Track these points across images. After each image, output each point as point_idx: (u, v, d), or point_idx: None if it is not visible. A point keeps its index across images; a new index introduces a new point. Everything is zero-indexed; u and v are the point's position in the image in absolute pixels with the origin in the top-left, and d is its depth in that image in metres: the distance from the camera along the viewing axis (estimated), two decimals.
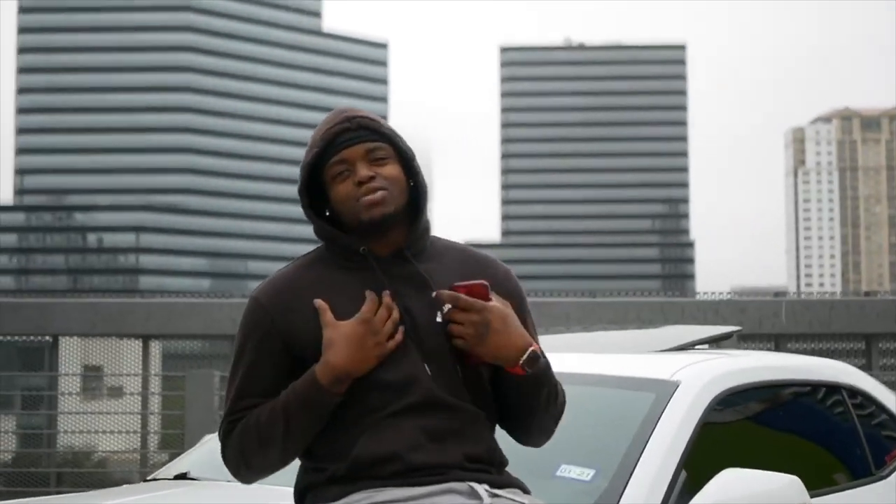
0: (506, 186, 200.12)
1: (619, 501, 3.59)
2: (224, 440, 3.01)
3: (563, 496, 3.60)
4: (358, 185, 2.95)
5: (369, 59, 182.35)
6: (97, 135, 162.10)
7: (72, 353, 12.63)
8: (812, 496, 3.76)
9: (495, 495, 2.91)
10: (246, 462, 2.99)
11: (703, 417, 3.91)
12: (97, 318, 12.10)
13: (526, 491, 3.03)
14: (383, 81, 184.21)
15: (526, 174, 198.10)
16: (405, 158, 3.03)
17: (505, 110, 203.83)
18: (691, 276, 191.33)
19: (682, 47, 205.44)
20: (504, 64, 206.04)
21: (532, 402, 3.00)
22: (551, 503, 3.28)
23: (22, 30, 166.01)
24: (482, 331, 2.89)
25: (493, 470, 2.97)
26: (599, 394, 4.09)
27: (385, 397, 2.90)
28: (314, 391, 2.89)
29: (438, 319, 2.94)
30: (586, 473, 3.70)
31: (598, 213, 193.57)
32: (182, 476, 4.39)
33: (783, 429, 4.49)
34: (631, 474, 3.66)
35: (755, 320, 10.81)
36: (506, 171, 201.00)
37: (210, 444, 4.52)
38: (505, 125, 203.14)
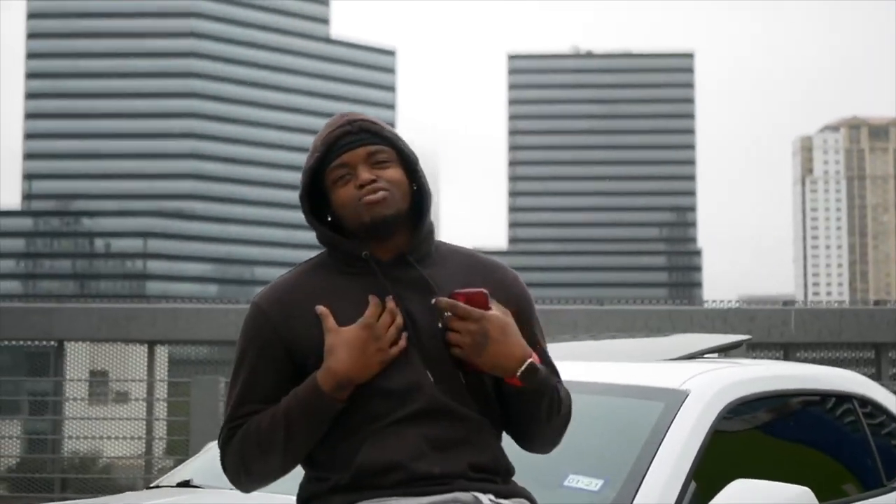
0: (513, 193, 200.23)
1: None
2: (224, 447, 2.97)
3: None
4: (359, 189, 2.91)
5: (377, 65, 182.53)
6: (104, 140, 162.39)
7: (78, 358, 12.61)
8: None
9: None
10: (246, 469, 2.94)
11: (713, 427, 3.86)
12: (102, 324, 12.08)
13: (532, 501, 2.98)
14: (391, 88, 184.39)
15: (533, 181, 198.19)
16: (408, 162, 2.99)
17: (512, 117, 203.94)
18: (698, 285, 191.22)
19: (690, 55, 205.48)
20: (512, 71, 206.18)
21: (533, 411, 2.96)
22: None
23: (30, 35, 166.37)
24: (479, 340, 2.84)
25: (498, 479, 2.92)
26: (608, 403, 4.05)
27: (388, 404, 2.86)
28: (316, 398, 2.85)
29: (440, 325, 2.89)
30: (595, 483, 3.66)
31: (606, 220, 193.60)
32: (185, 483, 4.35)
33: (794, 439, 4.45)
34: (640, 484, 3.62)
35: (764, 329, 10.77)
36: (513, 179, 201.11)
37: (214, 451, 4.47)
38: (512, 132, 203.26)
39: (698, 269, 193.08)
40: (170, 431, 12.18)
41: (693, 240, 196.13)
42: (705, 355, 4.69)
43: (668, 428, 3.80)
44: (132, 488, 11.87)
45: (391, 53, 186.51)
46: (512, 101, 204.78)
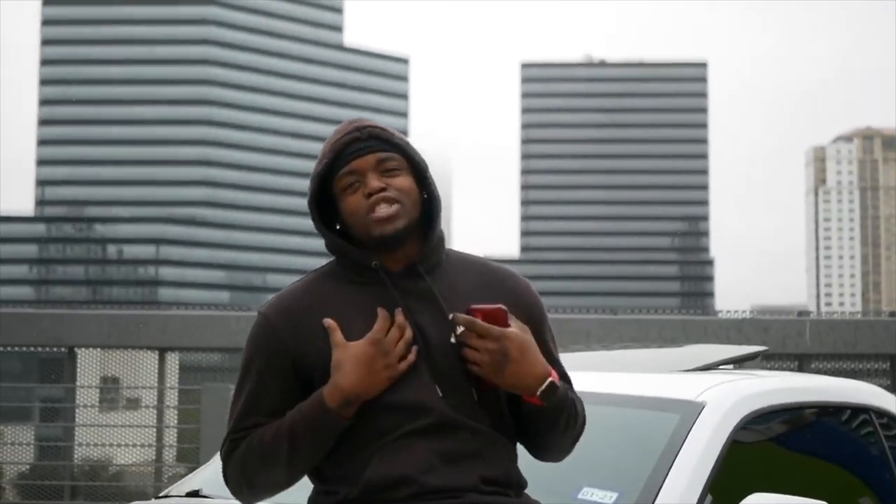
0: (525, 202, 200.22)
1: None
2: (226, 459, 2.92)
3: None
4: (368, 197, 2.86)
5: (390, 74, 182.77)
6: (117, 147, 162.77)
7: (90, 365, 12.59)
8: None
9: None
10: (248, 482, 2.89)
11: (729, 439, 3.81)
12: (113, 330, 12.06)
13: None
14: (404, 96, 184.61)
15: (546, 190, 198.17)
16: (418, 169, 2.93)
17: (525, 126, 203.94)
18: (710, 294, 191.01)
19: (703, 65, 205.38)
20: (525, 80, 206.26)
21: (550, 426, 2.91)
22: None
23: (44, 42, 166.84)
24: (499, 359, 2.79)
25: (510, 493, 2.87)
26: (623, 414, 4.00)
27: (396, 419, 2.80)
28: (322, 414, 2.79)
29: (452, 341, 2.84)
30: (609, 496, 3.61)
31: (618, 229, 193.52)
32: (194, 494, 4.29)
33: (811, 452, 4.40)
34: (656, 497, 3.57)
35: (778, 339, 10.71)
36: (526, 187, 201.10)
37: None
38: (525, 141, 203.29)
39: (710, 278, 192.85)
40: (180, 439, 12.17)
41: (705, 249, 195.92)
42: (721, 366, 4.64)
43: (684, 440, 3.74)
44: (142, 495, 11.85)
45: (404, 61, 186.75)
46: (525, 110, 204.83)
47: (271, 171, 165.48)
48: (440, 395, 2.81)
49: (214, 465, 4.51)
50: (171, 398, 12.29)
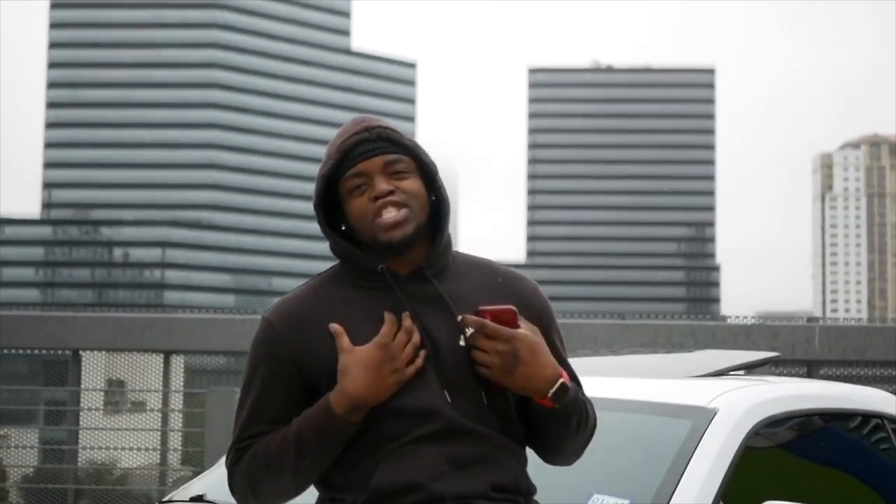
0: (532, 207, 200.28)
1: None
2: (231, 468, 2.86)
3: None
4: (375, 200, 2.79)
5: (398, 78, 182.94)
6: (124, 150, 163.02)
7: (95, 368, 12.56)
8: None
9: None
10: (254, 491, 2.83)
11: (742, 446, 3.77)
12: (118, 333, 12.02)
13: None
14: (411, 101, 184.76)
15: (552, 195, 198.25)
16: (427, 172, 2.87)
17: (532, 131, 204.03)
18: (716, 300, 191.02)
19: (710, 71, 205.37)
20: (532, 85, 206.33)
21: (561, 429, 2.86)
22: None
23: (52, 45, 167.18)
24: (509, 361, 2.73)
25: (520, 499, 2.82)
26: (634, 420, 3.96)
27: (404, 425, 2.74)
28: (328, 420, 2.73)
29: (461, 343, 2.78)
30: None
31: (624, 235, 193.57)
32: (199, 498, 4.24)
33: (823, 459, 4.35)
34: None
35: (788, 345, 10.65)
36: (532, 192, 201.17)
37: None
38: (532, 146, 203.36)
39: (716, 284, 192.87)
40: (185, 443, 12.14)
41: (711, 255, 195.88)
42: (731, 372, 4.59)
43: (696, 447, 3.70)
44: (146, 499, 11.82)
45: (412, 66, 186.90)
46: (532, 115, 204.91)
47: (277, 174, 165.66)
48: (449, 399, 2.76)
49: (219, 470, 4.46)
50: (176, 401, 12.24)
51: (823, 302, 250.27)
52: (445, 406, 2.75)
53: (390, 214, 2.78)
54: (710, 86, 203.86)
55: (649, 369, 4.86)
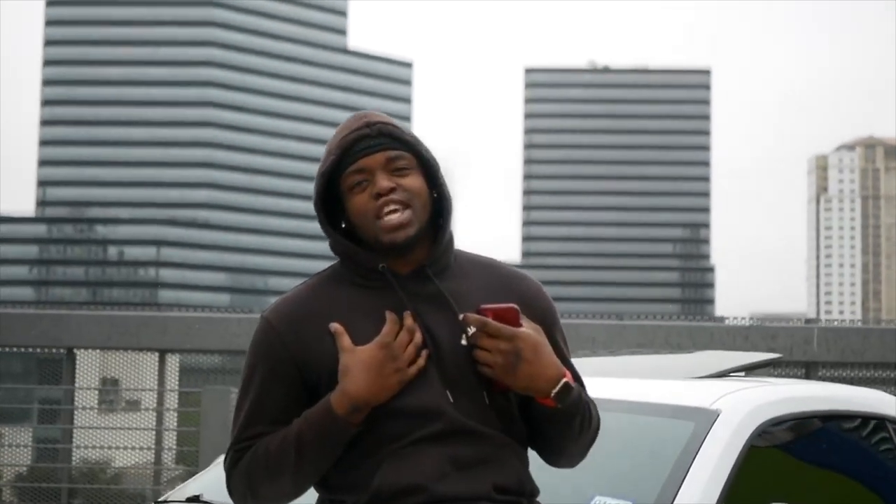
0: (527, 207, 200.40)
1: None
2: (230, 470, 2.82)
3: None
4: (376, 198, 2.75)
5: (394, 77, 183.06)
6: (119, 148, 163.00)
7: (89, 366, 12.51)
8: None
9: None
10: (253, 492, 2.79)
11: (745, 448, 3.73)
12: (113, 331, 11.97)
13: None
14: (407, 100, 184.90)
15: (548, 195, 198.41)
16: (429, 168, 2.83)
17: (528, 131, 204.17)
18: (711, 301, 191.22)
19: (706, 72, 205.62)
20: (528, 85, 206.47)
21: (564, 430, 2.82)
22: None
23: (47, 42, 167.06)
24: (512, 360, 2.69)
25: (523, 501, 2.78)
26: (635, 421, 3.92)
27: (406, 425, 2.71)
28: (329, 421, 2.69)
29: (463, 343, 2.74)
30: None
31: (619, 235, 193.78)
32: (195, 499, 4.21)
33: (826, 461, 4.31)
34: None
35: (786, 347, 10.64)
36: (528, 192, 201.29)
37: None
38: (528, 146, 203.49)
39: (711, 285, 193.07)
40: (180, 442, 12.11)
41: (706, 256, 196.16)
42: (732, 373, 4.55)
43: (699, 449, 3.67)
44: (140, 498, 11.78)
45: (408, 65, 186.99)
46: (528, 115, 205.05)
47: (274, 173, 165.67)
48: (451, 399, 2.72)
49: (215, 470, 4.43)
50: (171, 400, 12.21)
51: (818, 303, 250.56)
52: (447, 406, 2.72)
53: (394, 216, 2.74)
54: (706, 87, 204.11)
55: (650, 370, 4.82)
